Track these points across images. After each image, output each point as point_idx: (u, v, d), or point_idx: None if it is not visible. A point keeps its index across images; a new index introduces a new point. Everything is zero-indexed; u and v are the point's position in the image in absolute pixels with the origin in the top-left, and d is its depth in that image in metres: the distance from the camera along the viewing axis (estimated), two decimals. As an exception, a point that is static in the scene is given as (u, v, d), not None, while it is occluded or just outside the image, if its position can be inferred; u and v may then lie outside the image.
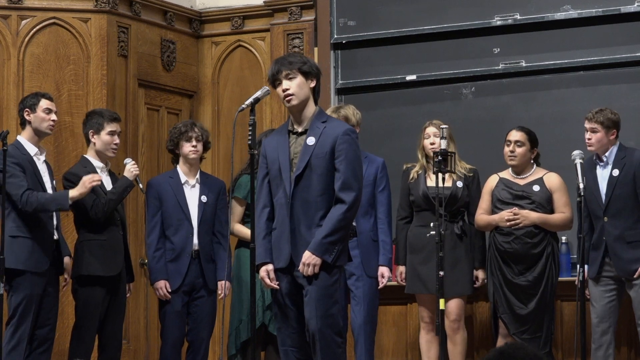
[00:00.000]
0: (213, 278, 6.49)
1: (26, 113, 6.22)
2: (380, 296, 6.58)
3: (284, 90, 5.12)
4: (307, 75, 5.13)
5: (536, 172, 6.62)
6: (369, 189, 6.50)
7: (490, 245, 6.56)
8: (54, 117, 6.26)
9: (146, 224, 6.51)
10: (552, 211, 6.53)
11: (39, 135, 6.25)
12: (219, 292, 6.49)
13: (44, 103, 6.23)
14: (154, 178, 6.75)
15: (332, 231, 5.01)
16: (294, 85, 5.11)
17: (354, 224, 6.38)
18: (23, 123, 6.25)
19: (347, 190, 5.05)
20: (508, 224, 6.46)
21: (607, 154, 6.38)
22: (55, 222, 6.24)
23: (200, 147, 6.53)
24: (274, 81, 5.16)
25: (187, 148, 6.50)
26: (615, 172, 6.33)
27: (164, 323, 6.45)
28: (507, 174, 6.65)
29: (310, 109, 5.17)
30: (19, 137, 6.21)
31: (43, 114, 6.22)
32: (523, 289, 6.45)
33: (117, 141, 6.40)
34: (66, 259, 6.31)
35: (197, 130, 6.53)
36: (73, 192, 6.08)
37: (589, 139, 6.36)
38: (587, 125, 6.36)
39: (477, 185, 6.69)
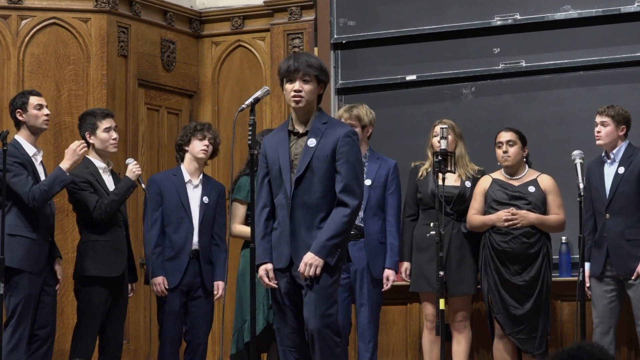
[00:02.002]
0: (210, 279, 6.50)
1: (18, 114, 6.22)
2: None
3: (295, 90, 5.10)
4: (319, 82, 5.13)
5: (529, 174, 6.62)
6: (380, 190, 6.52)
7: (485, 245, 6.55)
8: (46, 111, 6.26)
9: (145, 220, 6.50)
10: (546, 212, 6.54)
11: (36, 133, 6.25)
12: (216, 292, 6.50)
13: (33, 100, 6.23)
14: (156, 174, 6.79)
15: (336, 234, 5.01)
16: (307, 89, 5.09)
17: (361, 224, 6.41)
18: (17, 124, 6.25)
19: (350, 193, 5.05)
20: (506, 224, 6.46)
21: (614, 151, 6.40)
22: (53, 222, 6.24)
23: (210, 149, 6.54)
24: (287, 76, 5.14)
25: (199, 146, 6.50)
26: (621, 170, 6.36)
27: (162, 323, 6.46)
28: (500, 175, 6.65)
29: (313, 111, 5.17)
30: (16, 137, 6.21)
31: (35, 111, 6.22)
32: (520, 289, 6.45)
33: (115, 136, 6.40)
34: (57, 261, 6.31)
35: (212, 132, 6.54)
36: (64, 164, 6.08)
37: (599, 132, 6.38)
38: (598, 119, 6.40)
39: None
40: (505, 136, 6.59)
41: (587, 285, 6.40)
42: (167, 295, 6.41)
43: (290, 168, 5.10)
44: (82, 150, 6.14)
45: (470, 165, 6.69)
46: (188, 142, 6.54)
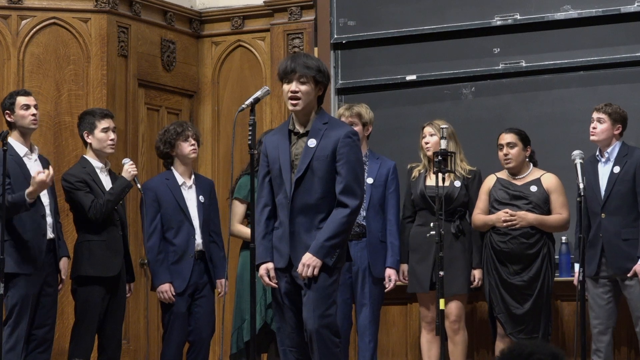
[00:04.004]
0: (213, 278, 6.50)
1: (7, 115, 6.23)
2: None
3: (292, 91, 5.09)
4: (317, 83, 5.11)
5: (533, 173, 6.62)
6: (381, 188, 6.54)
7: (486, 245, 6.56)
8: (33, 111, 6.24)
9: (144, 228, 6.47)
10: (548, 212, 6.54)
11: (25, 134, 6.24)
12: (219, 290, 6.50)
13: (20, 100, 6.23)
14: (149, 181, 6.72)
15: (335, 234, 5.00)
16: (303, 90, 5.07)
17: (363, 223, 6.42)
18: (9, 125, 6.25)
19: (350, 194, 5.04)
20: (505, 224, 6.46)
21: (609, 150, 6.40)
22: (51, 220, 6.22)
23: (196, 145, 6.54)
24: (284, 77, 5.13)
25: (187, 148, 6.50)
26: (616, 169, 6.35)
27: (170, 326, 6.41)
28: (504, 174, 6.65)
29: (313, 111, 5.15)
30: (8, 139, 6.19)
31: (22, 112, 6.21)
32: (519, 289, 6.45)
33: (113, 137, 6.39)
34: (63, 260, 6.31)
35: (191, 129, 6.54)
36: (29, 189, 5.97)
37: (594, 128, 6.38)
38: (595, 115, 6.41)
39: (477, 185, 6.69)
40: (505, 138, 6.59)
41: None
42: (175, 300, 6.39)
43: (291, 168, 5.10)
44: (45, 180, 5.97)
45: (462, 164, 6.68)
46: (173, 147, 6.52)
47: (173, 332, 6.41)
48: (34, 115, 6.23)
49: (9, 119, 6.22)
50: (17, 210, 6.00)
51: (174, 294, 6.37)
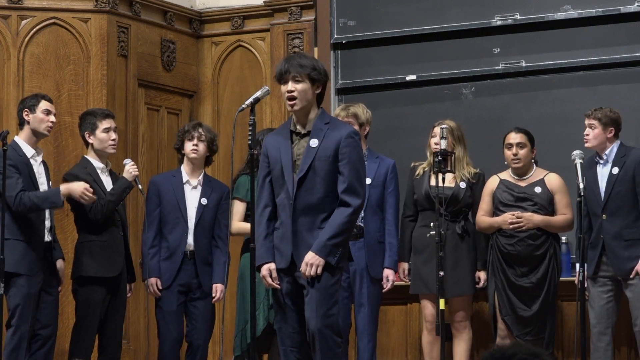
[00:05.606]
0: (208, 281, 6.49)
1: (25, 113, 6.22)
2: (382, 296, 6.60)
3: (288, 92, 5.11)
4: (314, 81, 5.12)
5: (537, 173, 6.61)
6: (379, 189, 6.53)
7: (492, 247, 6.55)
8: (52, 118, 6.26)
9: (145, 220, 6.54)
10: (553, 212, 6.53)
11: (36, 136, 6.25)
12: (214, 295, 6.49)
13: (43, 104, 6.23)
14: (157, 176, 6.82)
15: (337, 233, 5.01)
16: (299, 89, 5.09)
17: (361, 224, 6.41)
18: (22, 123, 6.25)
19: (352, 194, 5.05)
20: (511, 226, 6.45)
21: (607, 152, 6.41)
22: (48, 224, 6.22)
23: (201, 147, 6.51)
24: (280, 79, 5.15)
25: (188, 147, 6.52)
26: (615, 170, 6.36)
27: (161, 323, 6.46)
28: (507, 175, 6.64)
29: (314, 111, 5.16)
30: (16, 138, 6.20)
31: (42, 115, 6.21)
32: (527, 290, 6.44)
33: (114, 137, 6.40)
34: (59, 262, 6.31)
35: (200, 130, 6.54)
36: (64, 189, 6.06)
37: (587, 135, 6.40)
38: (586, 121, 6.44)
39: (481, 187, 6.68)
40: (515, 138, 6.57)
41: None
42: (162, 295, 6.42)
43: (293, 168, 5.10)
44: (86, 196, 6.09)
45: (468, 167, 6.67)
46: (182, 145, 6.55)
47: (164, 329, 6.44)
48: (52, 122, 6.25)
49: (25, 117, 6.21)
50: (43, 207, 6.05)
51: (160, 288, 6.41)
